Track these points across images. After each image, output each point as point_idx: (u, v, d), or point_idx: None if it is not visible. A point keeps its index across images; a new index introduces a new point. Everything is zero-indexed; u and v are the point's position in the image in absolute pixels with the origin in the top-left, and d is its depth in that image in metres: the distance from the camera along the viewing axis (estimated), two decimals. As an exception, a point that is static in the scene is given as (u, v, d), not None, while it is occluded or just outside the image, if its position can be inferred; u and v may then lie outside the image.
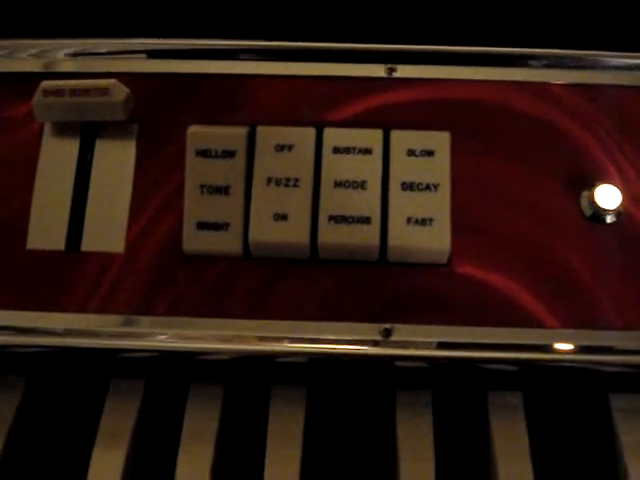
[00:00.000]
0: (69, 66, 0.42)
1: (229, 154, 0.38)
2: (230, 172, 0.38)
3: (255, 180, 0.38)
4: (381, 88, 0.40)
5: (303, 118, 0.39)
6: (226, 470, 0.39)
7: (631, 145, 0.40)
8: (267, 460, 0.38)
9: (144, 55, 0.41)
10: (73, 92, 0.39)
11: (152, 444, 0.39)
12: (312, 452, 0.40)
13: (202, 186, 0.38)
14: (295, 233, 0.37)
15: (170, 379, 0.40)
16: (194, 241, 0.38)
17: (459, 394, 0.40)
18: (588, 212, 0.39)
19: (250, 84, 0.40)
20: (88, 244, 0.39)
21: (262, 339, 0.38)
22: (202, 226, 0.38)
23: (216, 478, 0.38)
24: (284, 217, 0.38)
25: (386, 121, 0.39)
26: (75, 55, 0.42)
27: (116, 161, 0.40)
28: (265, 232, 0.38)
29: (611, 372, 0.38)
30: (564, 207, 0.39)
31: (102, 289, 0.38)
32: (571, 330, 0.37)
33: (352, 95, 0.40)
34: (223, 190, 0.38)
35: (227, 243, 0.38)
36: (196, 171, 0.38)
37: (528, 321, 0.37)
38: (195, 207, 0.38)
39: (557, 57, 0.41)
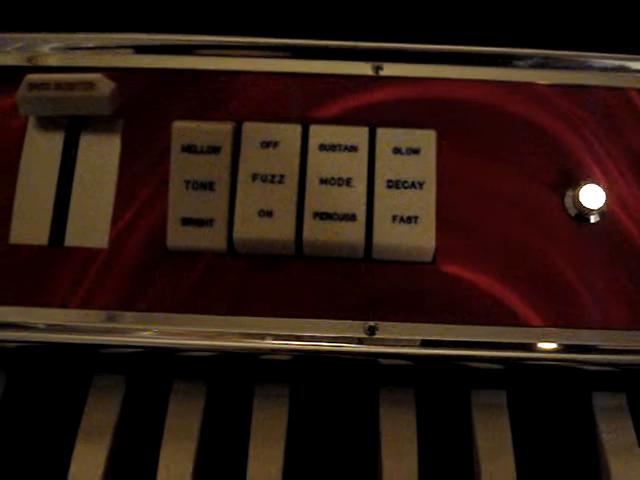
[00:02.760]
0: (54, 60, 0.42)
1: (214, 150, 0.38)
2: (215, 168, 0.38)
3: (240, 176, 0.38)
4: (368, 86, 0.40)
5: (289, 115, 0.39)
6: (209, 467, 0.39)
7: (615, 145, 0.40)
8: (250, 457, 0.38)
9: (131, 50, 0.41)
10: (58, 86, 0.39)
11: (134, 440, 0.39)
12: (295, 450, 0.40)
13: (187, 182, 0.38)
14: (280, 230, 0.37)
15: (153, 375, 0.40)
16: (178, 237, 0.38)
17: (443, 392, 0.40)
18: (573, 211, 0.39)
19: (237, 80, 0.40)
20: (72, 239, 0.39)
21: (246, 336, 0.37)
22: (187, 222, 0.38)
23: (198, 475, 0.38)
24: (269, 214, 0.38)
25: (372, 119, 0.39)
26: (61, 49, 0.42)
27: (101, 156, 0.40)
28: (250, 228, 0.37)
29: (594, 371, 0.38)
30: (549, 206, 0.39)
31: (85, 284, 0.38)
32: (555, 329, 0.38)
33: (339, 93, 0.40)
34: (208, 186, 0.38)
35: (212, 239, 0.38)
36: (181, 167, 0.38)
37: (512, 320, 0.38)
38: (180, 203, 0.38)
39: (543, 57, 0.41)
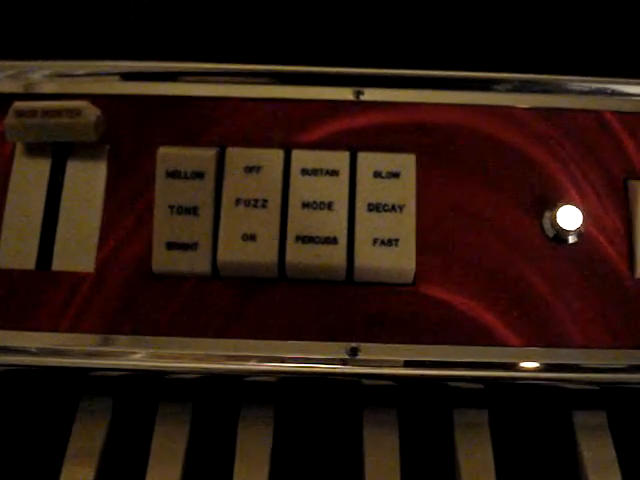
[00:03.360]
0: (45, 87, 0.42)
1: (198, 175, 0.39)
2: (199, 193, 0.39)
3: (224, 201, 0.39)
4: (349, 111, 0.41)
5: (272, 140, 0.40)
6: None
7: (592, 167, 0.41)
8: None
9: (117, 77, 0.42)
10: (45, 113, 0.40)
11: (121, 463, 0.40)
12: (280, 471, 0.40)
13: (171, 206, 0.39)
14: (263, 253, 0.38)
15: (139, 398, 0.41)
16: (163, 261, 0.38)
17: (425, 412, 0.41)
18: (551, 232, 0.40)
19: (221, 106, 0.41)
20: (59, 264, 0.39)
21: (230, 358, 0.38)
22: (171, 246, 0.39)
23: (184, 497, 0.38)
24: (252, 237, 0.38)
25: (353, 143, 0.40)
26: (51, 76, 0.43)
27: (87, 182, 0.40)
28: (233, 252, 0.38)
29: (574, 389, 0.39)
30: (527, 228, 0.40)
31: (73, 308, 0.39)
32: (535, 348, 0.38)
33: (320, 118, 0.41)
34: (192, 211, 0.39)
35: (196, 263, 0.38)
36: (166, 192, 0.39)
37: (493, 340, 0.38)
38: (164, 227, 0.39)
39: (521, 81, 0.42)
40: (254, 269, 0.38)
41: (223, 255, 0.38)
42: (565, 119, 0.41)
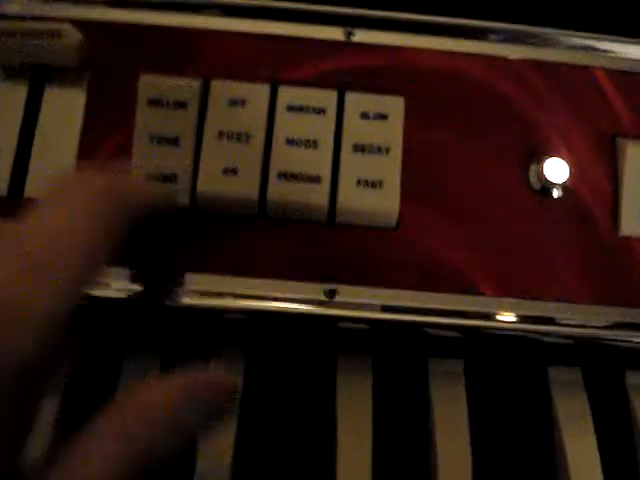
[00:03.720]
0: (25, 10, 0.41)
1: (181, 105, 0.38)
2: (181, 123, 0.38)
3: (206, 133, 0.38)
4: (339, 51, 0.40)
5: (259, 75, 0.39)
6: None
7: (581, 123, 0.40)
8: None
9: (102, 3, 0.41)
10: (25, 34, 0.38)
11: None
12: (249, 417, 0.39)
13: (152, 136, 0.37)
14: (244, 188, 0.37)
15: (106, 335, 0.40)
16: (140, 191, 0.37)
17: (400, 361, 0.40)
18: (537, 185, 0.39)
19: (207, 38, 0.40)
20: (32, 190, 0.38)
21: (204, 294, 0.37)
22: (150, 177, 0.37)
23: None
24: (234, 171, 0.37)
25: (342, 83, 0.39)
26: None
27: (65, 108, 0.39)
28: (213, 185, 0.37)
29: (550, 343, 0.38)
30: (513, 180, 0.39)
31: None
32: (514, 299, 0.38)
33: (309, 56, 0.40)
34: (173, 141, 0.37)
35: (175, 194, 0.37)
36: (146, 120, 0.38)
37: (472, 289, 0.38)
38: (143, 157, 0.38)
39: (515, 32, 0.41)
40: (234, 204, 0.37)
41: (202, 187, 0.37)
42: (557, 73, 0.41)
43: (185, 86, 0.38)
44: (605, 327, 0.38)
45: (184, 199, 0.37)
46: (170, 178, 0.37)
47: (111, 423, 0.26)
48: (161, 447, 0.26)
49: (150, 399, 0.27)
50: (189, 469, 0.37)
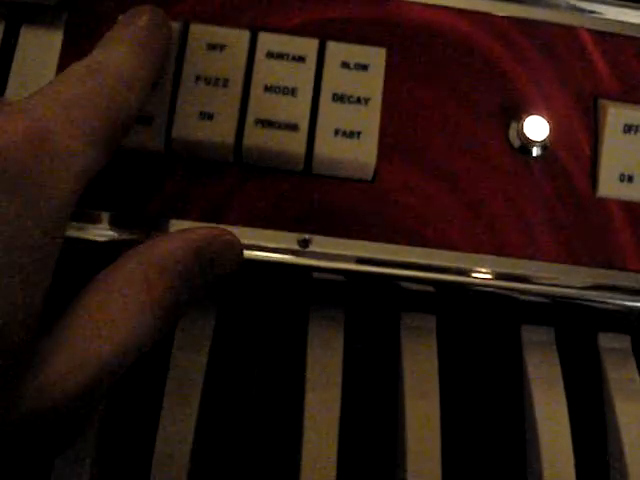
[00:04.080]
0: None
1: (159, 47, 0.37)
2: (158, 66, 0.37)
3: (184, 77, 0.37)
4: (322, 1, 0.39)
5: (239, 21, 0.38)
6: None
7: (563, 83, 0.40)
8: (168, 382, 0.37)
9: (81, -55, 0.40)
10: (1, -30, 0.38)
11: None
12: (218, 366, 0.39)
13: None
14: (220, 133, 0.36)
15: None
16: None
17: (372, 314, 0.40)
18: (516, 143, 0.39)
19: (188, -18, 0.39)
20: (4, 129, 0.37)
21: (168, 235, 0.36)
22: (125, 119, 0.37)
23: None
24: (210, 116, 0.37)
25: (324, 33, 0.39)
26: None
27: (41, 47, 0.38)
28: (189, 129, 0.36)
29: (524, 301, 0.38)
30: (492, 136, 0.39)
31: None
32: (490, 256, 0.37)
33: (291, 4, 0.39)
34: (150, 83, 0.37)
35: (150, 138, 0.37)
36: (123, 61, 0.37)
37: (448, 244, 0.37)
38: (119, 99, 0.37)
39: (501, -11, 0.41)
40: (210, 149, 0.37)
41: (178, 131, 0.36)
42: (541, 32, 0.40)
43: (164, 28, 0.37)
44: (580, 288, 0.38)
45: (160, 143, 0.37)
46: (145, 121, 0.37)
47: (132, 271, 0.27)
48: (178, 300, 0.27)
49: (168, 251, 0.28)
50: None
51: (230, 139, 0.37)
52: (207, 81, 0.37)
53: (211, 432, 0.38)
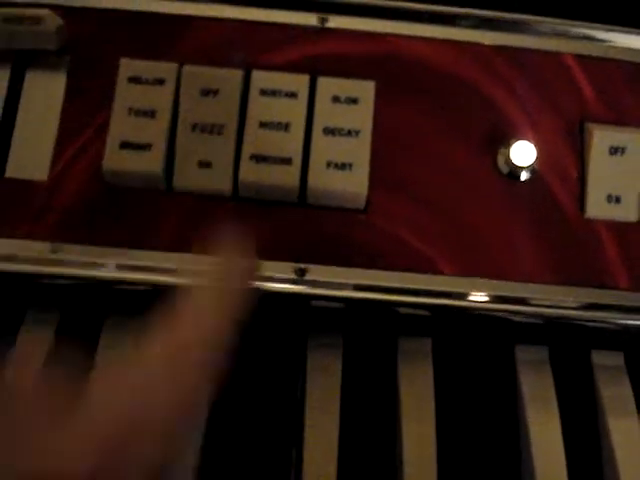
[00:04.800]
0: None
1: (159, 82, 0.39)
2: (157, 99, 0.39)
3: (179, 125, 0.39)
4: (312, 37, 0.41)
5: (233, 61, 0.40)
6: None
7: (550, 109, 0.41)
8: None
9: (80, -10, 0.42)
10: (6, 20, 0.39)
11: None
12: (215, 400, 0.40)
13: (130, 108, 0.39)
14: (219, 181, 0.38)
15: (85, 309, 0.41)
16: (115, 160, 0.38)
17: (370, 340, 0.41)
18: (505, 169, 0.40)
19: (183, 24, 0.41)
20: (12, 171, 0.39)
21: (180, 272, 0.38)
22: (125, 146, 0.38)
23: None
24: (208, 164, 0.38)
25: (314, 68, 0.40)
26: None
27: (46, 91, 0.40)
28: (188, 179, 0.38)
29: (519, 322, 0.39)
30: (481, 164, 0.40)
31: (26, 216, 0.39)
32: (482, 279, 0.39)
33: (283, 42, 0.41)
34: (150, 114, 0.38)
35: (148, 164, 0.38)
36: (125, 95, 0.39)
37: (439, 270, 0.38)
38: (120, 127, 0.38)
39: (486, 19, 0.42)
40: (207, 187, 0.38)
41: (178, 182, 0.38)
42: (527, 59, 0.41)
43: (163, 66, 0.39)
44: (573, 308, 0.39)
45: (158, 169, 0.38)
46: (144, 147, 0.38)
47: (173, 332, 0.27)
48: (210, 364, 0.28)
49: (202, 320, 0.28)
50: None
51: (227, 185, 0.38)
52: (203, 128, 0.39)
53: (208, 459, 0.39)
